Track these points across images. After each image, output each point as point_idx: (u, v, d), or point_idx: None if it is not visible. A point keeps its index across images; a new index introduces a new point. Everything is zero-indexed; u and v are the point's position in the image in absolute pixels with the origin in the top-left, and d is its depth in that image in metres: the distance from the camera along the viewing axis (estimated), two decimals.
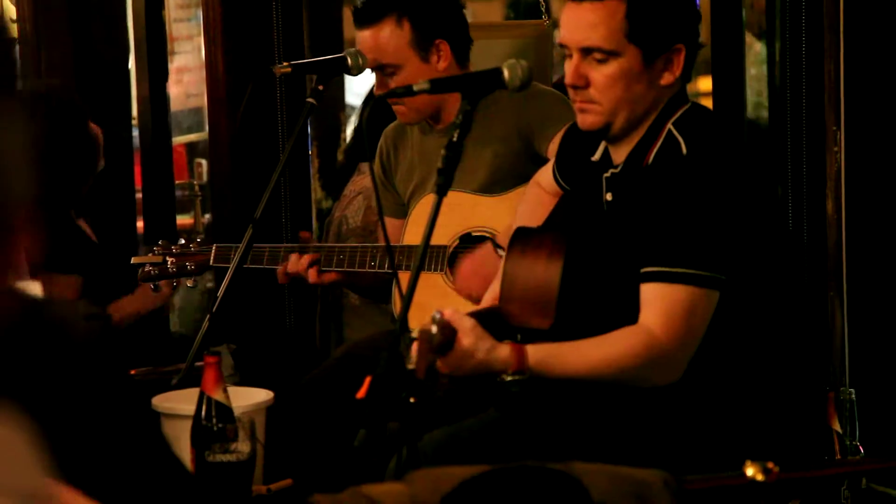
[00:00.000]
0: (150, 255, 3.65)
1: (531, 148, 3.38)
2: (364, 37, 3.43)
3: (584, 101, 2.71)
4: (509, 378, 2.56)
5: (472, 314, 2.68)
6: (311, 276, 3.44)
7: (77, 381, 1.69)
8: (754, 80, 3.77)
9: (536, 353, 2.55)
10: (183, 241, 3.67)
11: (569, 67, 2.70)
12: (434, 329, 2.41)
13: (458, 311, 2.54)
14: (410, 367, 2.32)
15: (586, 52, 2.68)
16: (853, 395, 3.22)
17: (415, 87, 2.62)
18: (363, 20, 3.43)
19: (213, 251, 3.59)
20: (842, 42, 3.26)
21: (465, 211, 3.41)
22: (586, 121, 2.73)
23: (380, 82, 3.46)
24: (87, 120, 4.09)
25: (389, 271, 3.38)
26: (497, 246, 3.24)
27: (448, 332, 2.52)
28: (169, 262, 3.63)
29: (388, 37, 3.41)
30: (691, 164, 2.62)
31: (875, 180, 3.34)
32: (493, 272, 3.15)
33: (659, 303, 2.57)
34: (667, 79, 2.69)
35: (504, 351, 2.54)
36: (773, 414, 2.76)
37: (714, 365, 2.66)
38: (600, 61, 2.67)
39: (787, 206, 3.44)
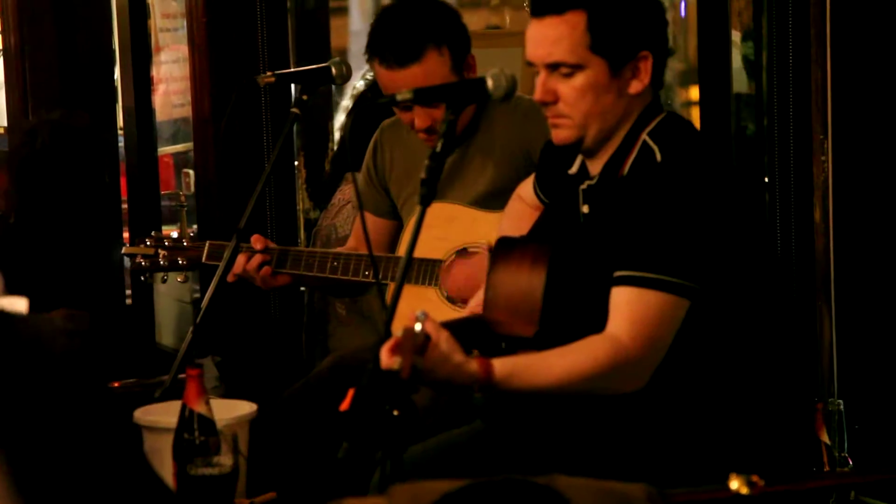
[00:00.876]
0: (141, 246, 3.60)
1: (532, 164, 3.36)
2: (409, 75, 3.31)
3: (555, 116, 2.70)
4: (476, 395, 2.56)
5: (455, 322, 2.67)
6: (262, 277, 3.40)
7: (53, 397, 1.68)
8: (741, 88, 3.76)
9: (503, 368, 2.53)
10: (176, 235, 3.63)
11: (537, 84, 2.69)
12: (419, 328, 2.40)
13: (434, 320, 2.52)
14: (392, 366, 2.30)
15: (552, 67, 2.67)
16: (842, 406, 3.20)
17: (398, 97, 2.60)
18: (405, 60, 3.32)
19: (206, 248, 3.53)
20: (828, 50, 3.25)
21: (463, 225, 3.39)
22: (559, 136, 2.72)
23: (423, 116, 3.34)
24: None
25: (382, 281, 3.35)
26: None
27: (425, 337, 2.50)
28: (161, 255, 3.58)
29: (433, 70, 3.32)
30: (665, 170, 2.62)
31: (863, 189, 3.33)
32: (483, 277, 3.16)
33: (626, 308, 2.56)
34: (635, 87, 2.67)
35: (473, 366, 2.52)
36: (761, 425, 2.75)
37: (693, 373, 2.65)
38: (566, 75, 2.66)
39: (775, 214, 3.42)
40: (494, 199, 3.37)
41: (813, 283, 3.36)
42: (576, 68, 2.65)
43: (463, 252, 3.39)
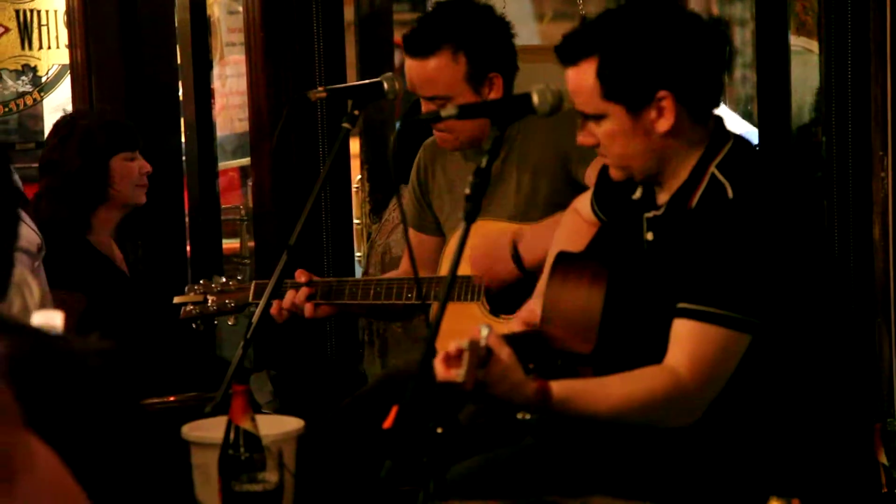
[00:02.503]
0: (190, 294, 3.67)
1: (569, 174, 3.34)
2: (414, 66, 3.37)
3: (601, 156, 2.71)
4: (519, 416, 2.54)
5: (514, 336, 2.66)
6: (308, 310, 3.43)
7: (85, 416, 1.68)
8: (800, 105, 3.71)
9: (560, 391, 2.51)
10: (223, 280, 3.67)
11: (579, 129, 2.71)
12: (483, 342, 2.39)
13: (498, 336, 2.50)
14: (459, 379, 2.30)
15: (583, 115, 2.67)
16: None
17: (442, 113, 2.59)
18: (417, 51, 3.36)
19: (251, 288, 3.60)
20: (888, 66, 3.20)
21: (499, 239, 3.38)
22: (612, 174, 2.72)
23: (427, 110, 3.42)
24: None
25: (426, 301, 3.35)
26: (515, 249, 3.23)
27: (487, 351, 2.49)
28: (209, 301, 3.64)
29: (442, 69, 3.34)
30: (738, 207, 2.57)
31: None
32: (501, 264, 3.22)
33: (688, 342, 2.53)
34: (662, 126, 2.61)
35: (530, 387, 2.50)
36: (819, 446, 2.70)
37: (750, 404, 2.61)
38: (595, 123, 2.65)
39: (834, 232, 3.38)
40: (532, 210, 3.36)
41: (873, 300, 3.31)
42: (598, 117, 2.64)
43: (496, 238, 3.38)
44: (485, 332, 2.42)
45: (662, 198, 2.70)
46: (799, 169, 3.68)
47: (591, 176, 3.24)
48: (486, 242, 3.30)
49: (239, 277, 3.70)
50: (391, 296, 3.41)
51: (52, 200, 4.07)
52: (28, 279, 2.66)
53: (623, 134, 2.64)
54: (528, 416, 2.54)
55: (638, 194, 2.77)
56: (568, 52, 2.64)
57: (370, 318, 4.09)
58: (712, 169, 2.64)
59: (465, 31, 3.36)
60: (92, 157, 4.05)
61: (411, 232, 3.60)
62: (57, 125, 4.16)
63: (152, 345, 4.14)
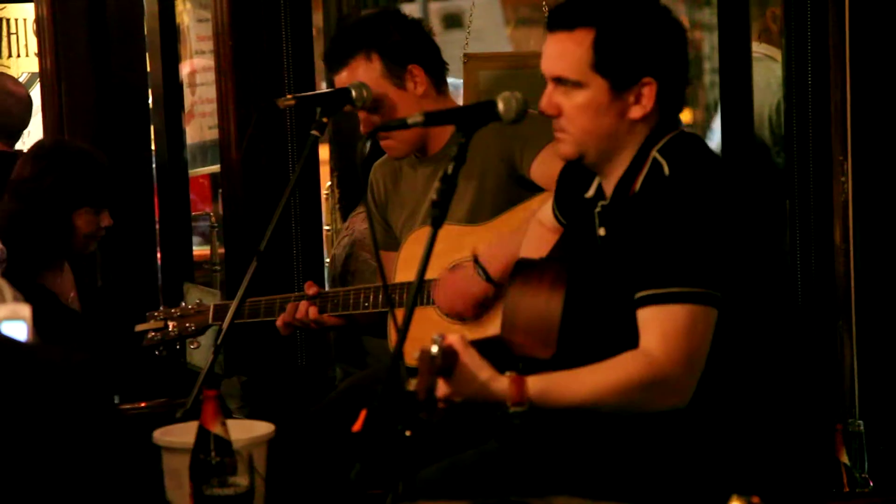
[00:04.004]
0: (151, 321, 3.70)
1: (515, 171, 3.39)
2: (339, 80, 3.47)
3: (558, 129, 2.72)
4: (511, 410, 2.55)
5: (473, 343, 2.68)
6: (312, 319, 3.48)
7: (59, 421, 1.70)
8: (762, 109, 3.77)
9: (536, 383, 2.53)
10: (183, 304, 3.72)
11: (543, 96, 2.71)
12: (435, 350, 2.42)
13: (462, 337, 2.53)
14: (411, 388, 2.32)
15: (557, 81, 2.68)
16: (862, 427, 3.19)
17: (409, 121, 2.63)
18: (334, 64, 3.48)
19: (210, 310, 3.64)
20: (847, 72, 3.25)
21: (452, 242, 3.41)
22: (560, 150, 2.74)
23: (365, 121, 3.49)
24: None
25: (384, 309, 3.39)
26: (478, 264, 3.26)
27: (450, 356, 2.52)
28: (170, 326, 3.68)
29: (361, 74, 3.44)
30: (674, 182, 2.61)
31: (883, 209, 3.33)
32: (473, 290, 3.22)
33: (655, 325, 2.54)
34: (636, 112, 2.67)
35: (503, 382, 2.53)
36: (780, 445, 2.74)
37: (713, 391, 2.63)
38: (569, 91, 2.67)
39: (795, 236, 3.42)
40: (480, 212, 3.41)
41: (834, 303, 3.36)
42: (576, 85, 2.66)
43: (454, 269, 3.42)
44: (437, 340, 2.45)
45: (609, 188, 2.73)
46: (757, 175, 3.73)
47: (536, 171, 3.30)
48: (453, 284, 3.33)
49: (198, 301, 3.74)
50: (367, 304, 3.46)
51: (10, 228, 4.02)
52: (2, 285, 2.69)
53: (596, 109, 2.66)
54: (517, 409, 2.55)
55: (591, 192, 2.80)
56: (565, 17, 2.68)
57: (359, 331, 4.10)
58: (654, 153, 2.68)
59: (373, 31, 3.48)
60: (56, 215, 4.01)
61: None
62: (37, 156, 4.10)
63: (123, 352, 4.17)
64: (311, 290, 3.51)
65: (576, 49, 2.65)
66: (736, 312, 2.62)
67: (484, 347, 2.76)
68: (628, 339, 2.60)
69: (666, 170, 2.62)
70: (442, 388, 2.51)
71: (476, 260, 3.29)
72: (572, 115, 2.68)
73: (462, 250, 3.40)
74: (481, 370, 2.52)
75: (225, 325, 3.17)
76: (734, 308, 2.61)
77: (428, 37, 3.54)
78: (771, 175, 3.95)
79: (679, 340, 2.53)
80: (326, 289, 3.68)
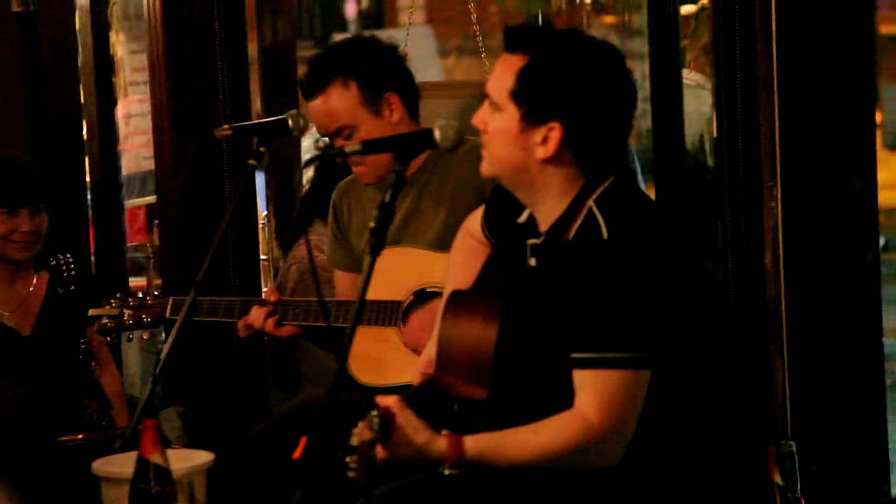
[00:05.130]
0: (107, 307, 3.67)
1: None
2: (315, 106, 3.47)
3: (481, 146, 2.72)
4: (447, 472, 2.57)
5: (413, 393, 2.67)
6: (269, 327, 3.47)
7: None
8: (692, 136, 3.82)
9: (475, 445, 2.55)
10: (140, 294, 3.69)
11: (478, 110, 2.72)
12: (369, 437, 2.40)
13: (399, 399, 2.54)
14: (353, 475, 2.33)
15: (488, 98, 2.68)
16: (794, 448, 3.24)
17: (347, 149, 2.65)
18: (310, 91, 3.47)
19: (169, 303, 3.61)
20: (776, 100, 3.31)
21: (420, 267, 3.43)
22: (482, 167, 2.74)
23: (339, 145, 3.47)
24: None
25: (326, 324, 3.40)
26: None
27: (388, 419, 2.51)
28: (126, 315, 3.65)
29: (337, 101, 3.44)
30: (612, 249, 2.59)
31: (811, 234, 3.39)
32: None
33: (591, 389, 2.56)
34: (540, 154, 2.63)
35: (441, 444, 2.53)
36: (715, 468, 2.77)
37: (657, 440, 2.65)
38: (493, 112, 2.67)
39: (727, 260, 3.47)
40: (448, 239, 3.42)
41: (765, 326, 3.41)
42: (496, 107, 2.66)
43: (421, 293, 3.43)
44: (371, 419, 2.43)
45: (543, 227, 2.73)
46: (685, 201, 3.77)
47: None
48: (422, 319, 3.34)
49: (156, 293, 3.71)
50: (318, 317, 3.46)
51: None
52: None
53: (506, 136, 2.65)
54: (454, 471, 2.56)
55: (523, 218, 2.81)
56: (512, 38, 2.67)
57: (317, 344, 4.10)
58: (590, 203, 2.65)
59: (350, 58, 3.47)
60: None
61: (335, 271, 3.67)
62: None
63: (58, 384, 4.14)
64: (272, 296, 3.50)
65: (504, 72, 2.65)
66: (681, 367, 2.65)
67: (421, 395, 2.75)
68: (561, 381, 2.61)
69: (604, 231, 2.60)
70: (380, 453, 2.50)
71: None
72: (490, 135, 2.68)
73: (430, 276, 3.41)
74: (418, 433, 2.52)
75: (163, 356, 3.16)
76: (679, 363, 2.64)
77: (403, 64, 3.54)
78: (703, 199, 4.01)
79: (614, 406, 2.56)
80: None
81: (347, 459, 2.36)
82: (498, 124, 2.66)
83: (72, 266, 4.24)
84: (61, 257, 4.25)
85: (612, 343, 2.56)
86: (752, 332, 3.41)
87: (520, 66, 2.62)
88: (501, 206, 2.88)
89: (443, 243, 3.43)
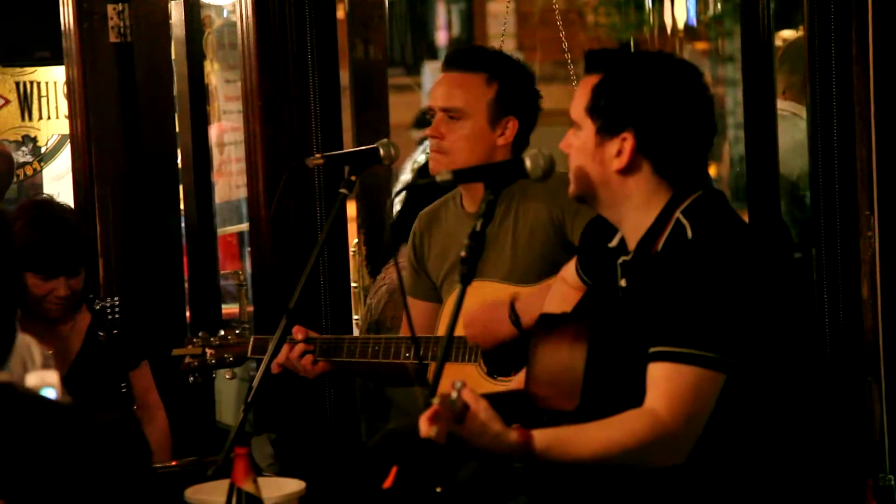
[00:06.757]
0: (189, 346, 3.71)
1: (563, 236, 3.41)
2: (448, 78, 3.53)
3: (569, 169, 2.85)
4: (516, 465, 2.60)
5: (498, 395, 2.70)
6: (303, 366, 3.49)
7: (99, 478, 1.72)
8: (788, 165, 3.78)
9: (544, 439, 2.56)
10: (222, 333, 3.72)
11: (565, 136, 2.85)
12: (455, 396, 2.44)
13: (473, 390, 2.55)
14: (430, 435, 2.34)
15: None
16: (893, 482, 3.19)
17: (438, 179, 2.66)
18: (457, 63, 3.55)
19: (251, 342, 3.65)
20: (873, 128, 3.27)
21: (497, 300, 3.42)
22: (570, 188, 2.85)
23: (435, 126, 3.52)
24: None
25: (423, 361, 3.40)
26: (513, 310, 3.28)
27: (464, 406, 2.53)
28: (208, 354, 3.68)
29: (475, 88, 3.50)
30: (696, 246, 2.65)
31: None
32: (501, 329, 3.28)
33: (664, 383, 2.58)
34: (616, 165, 2.73)
35: (512, 436, 2.55)
36: (810, 501, 2.74)
37: (734, 448, 2.65)
38: (574, 131, 2.81)
39: (823, 290, 3.43)
40: (527, 272, 3.42)
41: (863, 358, 3.36)
42: (576, 127, 2.80)
43: (491, 303, 3.43)
44: (457, 386, 2.47)
45: (631, 244, 2.78)
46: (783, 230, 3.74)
47: None
48: (484, 303, 3.36)
49: (237, 332, 3.74)
50: (389, 354, 3.46)
51: None
52: (31, 345, 2.70)
53: (585, 152, 2.74)
54: (517, 465, 2.59)
55: (614, 242, 2.84)
56: (591, 62, 2.78)
57: (367, 381, 4.12)
58: (677, 214, 2.71)
59: (504, 67, 3.55)
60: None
61: (409, 299, 3.67)
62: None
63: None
64: (298, 335, 3.53)
65: (582, 92, 2.77)
66: (763, 376, 2.64)
67: (508, 400, 2.78)
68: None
69: (689, 233, 2.66)
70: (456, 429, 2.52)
71: (512, 305, 3.32)
72: (572, 154, 2.79)
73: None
74: (492, 423, 2.53)
75: (255, 383, 3.19)
76: (761, 371, 2.63)
77: (538, 98, 3.60)
78: (798, 229, 3.96)
79: (684, 402, 2.57)
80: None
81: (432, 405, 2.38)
82: (578, 142, 2.75)
83: (117, 310, 4.20)
84: (108, 300, 4.22)
85: (690, 339, 2.58)
86: (848, 364, 3.35)
87: (594, 83, 2.71)
88: (593, 242, 2.91)
89: (518, 275, 3.43)
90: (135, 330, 4.17)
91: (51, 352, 3.86)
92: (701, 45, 9.09)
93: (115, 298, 4.18)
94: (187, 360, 3.71)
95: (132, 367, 4.01)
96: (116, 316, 4.20)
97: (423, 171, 4.54)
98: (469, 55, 3.60)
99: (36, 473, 1.68)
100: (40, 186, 5.69)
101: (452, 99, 3.50)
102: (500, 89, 3.50)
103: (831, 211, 3.40)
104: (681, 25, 6.19)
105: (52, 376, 2.08)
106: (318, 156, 3.44)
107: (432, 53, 10.97)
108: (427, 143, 4.83)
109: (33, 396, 1.80)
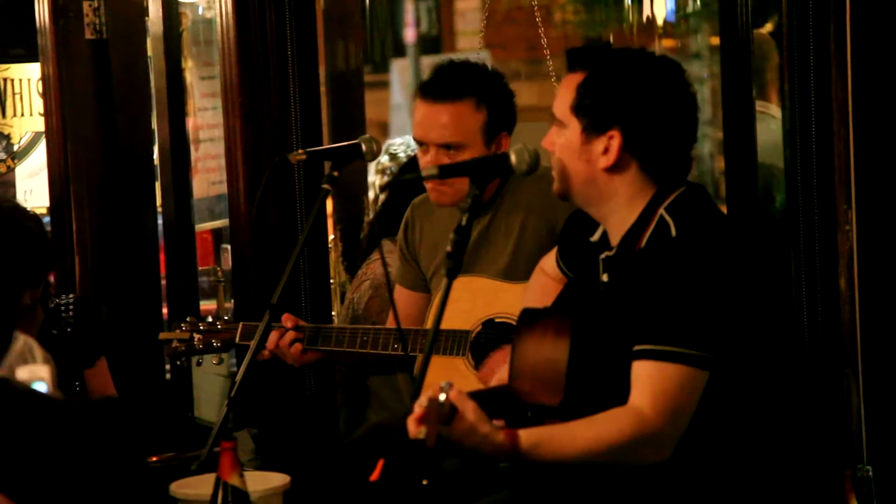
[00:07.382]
0: (177, 331, 3.70)
1: (555, 235, 3.42)
2: (433, 110, 3.46)
3: (553, 167, 2.86)
4: (502, 465, 2.61)
5: (482, 392, 2.71)
6: (292, 354, 3.50)
7: (91, 472, 1.73)
8: (766, 159, 3.80)
9: (529, 438, 2.58)
10: (210, 319, 3.72)
11: (546, 135, 2.85)
12: (443, 398, 2.45)
13: (461, 391, 2.57)
14: (419, 436, 2.36)
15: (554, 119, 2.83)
16: (871, 473, 3.22)
17: (424, 173, 2.68)
18: (441, 95, 3.46)
19: (239, 329, 3.65)
20: (850, 122, 3.29)
21: (488, 297, 3.44)
22: (553, 186, 2.86)
23: (435, 159, 3.46)
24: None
25: (410, 353, 3.42)
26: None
27: (452, 404, 2.55)
28: (195, 339, 3.68)
29: (466, 118, 3.46)
30: (680, 245, 2.67)
31: (886, 257, 3.36)
32: None
33: (648, 381, 2.61)
34: (603, 162, 2.75)
35: (500, 436, 2.56)
36: (790, 493, 2.77)
37: (717, 443, 2.67)
38: (557, 129, 2.82)
39: (801, 284, 3.45)
40: (518, 271, 3.43)
41: (840, 351, 3.38)
42: (560, 125, 2.80)
43: (489, 323, 3.44)
44: (445, 388, 2.48)
45: (614, 240, 2.79)
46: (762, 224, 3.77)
47: None
48: (503, 356, 3.35)
49: (226, 318, 3.74)
50: (377, 345, 3.47)
51: None
52: (32, 346, 2.71)
53: (571, 150, 2.75)
54: (503, 464, 2.61)
55: (596, 236, 2.86)
56: (573, 60, 2.79)
57: (353, 370, 4.13)
58: (661, 211, 2.73)
59: (489, 86, 3.50)
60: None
61: (398, 288, 3.68)
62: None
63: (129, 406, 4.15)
64: (288, 322, 3.53)
65: (565, 90, 2.77)
66: (744, 373, 2.67)
67: (493, 396, 2.79)
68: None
69: (673, 231, 2.68)
70: (443, 430, 2.53)
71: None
72: (557, 153, 2.79)
73: (498, 306, 3.42)
74: (480, 423, 2.55)
75: (238, 378, 3.19)
76: (743, 369, 2.66)
77: (514, 105, 3.58)
78: (775, 225, 3.98)
79: (668, 400, 2.60)
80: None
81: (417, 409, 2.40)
82: (562, 140, 2.76)
83: (71, 308, 4.13)
84: (63, 297, 4.17)
85: (674, 337, 2.61)
86: (826, 356, 3.38)
87: (579, 81, 2.72)
88: (574, 235, 2.93)
89: (510, 272, 3.44)
90: (90, 328, 4.12)
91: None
92: (668, 43, 9.13)
93: (70, 296, 4.13)
94: (174, 344, 3.71)
95: (87, 366, 3.98)
96: (70, 314, 4.15)
97: (408, 166, 4.54)
98: (450, 81, 3.51)
99: (34, 464, 1.68)
100: (12, 184, 5.67)
101: (448, 135, 3.45)
102: (489, 111, 3.48)
103: (809, 205, 3.42)
104: (660, 22, 6.21)
105: (44, 370, 2.09)
106: (300, 151, 3.44)
107: (400, 51, 10.97)
108: (389, 142, 4.86)
109: (29, 390, 1.80)
